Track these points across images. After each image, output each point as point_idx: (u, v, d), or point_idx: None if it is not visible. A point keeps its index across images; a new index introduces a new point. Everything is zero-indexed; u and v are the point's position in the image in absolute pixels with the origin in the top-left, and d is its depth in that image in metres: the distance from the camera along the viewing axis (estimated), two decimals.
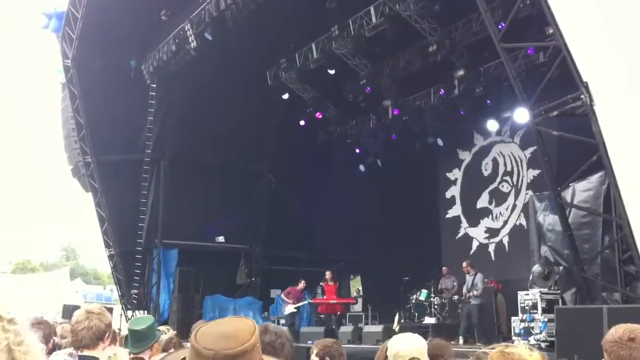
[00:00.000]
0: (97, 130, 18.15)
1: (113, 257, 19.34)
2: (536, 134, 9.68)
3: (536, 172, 15.57)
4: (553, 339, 9.32)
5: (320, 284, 16.69)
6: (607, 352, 2.95)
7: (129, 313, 19.10)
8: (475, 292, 13.56)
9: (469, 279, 13.88)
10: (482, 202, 17.66)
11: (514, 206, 16.75)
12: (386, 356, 3.54)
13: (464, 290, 13.88)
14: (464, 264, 14.24)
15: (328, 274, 16.62)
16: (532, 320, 10.71)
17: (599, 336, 3.13)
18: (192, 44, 15.90)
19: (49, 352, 4.87)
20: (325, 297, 16.52)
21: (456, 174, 18.81)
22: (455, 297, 14.85)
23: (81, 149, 18.90)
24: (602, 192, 9.82)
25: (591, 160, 8.94)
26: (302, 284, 17.05)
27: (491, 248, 17.31)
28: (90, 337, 3.72)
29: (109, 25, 16.62)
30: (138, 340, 4.63)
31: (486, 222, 17.54)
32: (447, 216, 18.88)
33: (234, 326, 1.69)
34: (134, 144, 18.67)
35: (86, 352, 3.72)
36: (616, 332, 2.97)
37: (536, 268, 11.15)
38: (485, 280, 14.09)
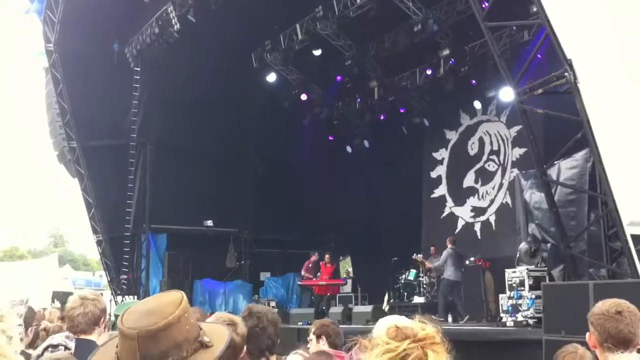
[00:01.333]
0: (82, 115, 18.00)
1: (101, 242, 19.29)
2: (521, 112, 9.69)
3: (522, 150, 15.61)
4: (540, 315, 9.41)
5: (319, 263, 16.75)
6: (594, 325, 2.98)
7: (119, 298, 19.10)
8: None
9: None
10: (468, 181, 17.71)
11: (501, 185, 16.81)
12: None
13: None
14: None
15: (327, 256, 16.65)
16: (520, 297, 10.81)
17: (585, 312, 3.15)
18: (175, 26, 15.76)
19: (33, 337, 4.89)
20: (318, 277, 16.55)
21: (443, 154, 18.82)
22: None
23: (66, 134, 18.76)
24: (587, 169, 9.86)
25: (576, 137, 8.98)
26: (314, 256, 17.00)
27: (477, 227, 17.37)
28: (86, 323, 3.74)
29: (91, 8, 16.41)
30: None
31: (472, 201, 17.60)
32: (433, 196, 18.91)
33: (158, 301, 1.66)
34: (119, 128, 18.52)
35: (82, 337, 3.73)
36: (603, 305, 3.00)
37: (523, 246, 11.23)
38: (470, 259, 14.21)
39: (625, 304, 3.01)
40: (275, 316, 3.29)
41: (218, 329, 1.79)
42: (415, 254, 15.53)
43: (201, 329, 1.70)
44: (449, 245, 14.10)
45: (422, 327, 1.67)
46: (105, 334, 3.99)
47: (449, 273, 13.81)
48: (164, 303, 1.65)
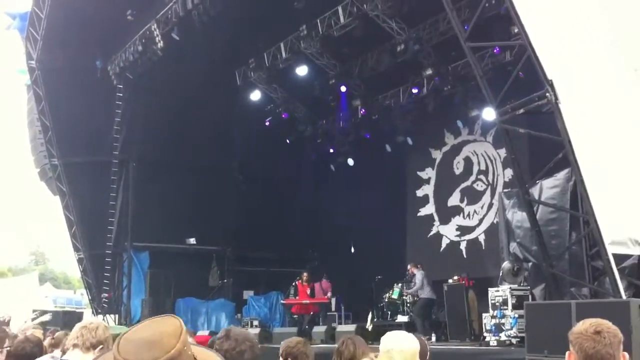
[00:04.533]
0: (64, 132, 17.89)
1: (82, 260, 19.09)
2: (503, 132, 9.76)
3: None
4: (523, 334, 9.41)
5: (294, 283, 16.64)
6: (572, 344, 2.99)
7: (100, 317, 18.86)
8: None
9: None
10: (454, 200, 17.70)
11: (490, 204, 16.64)
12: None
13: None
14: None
15: (305, 275, 16.56)
16: (503, 316, 10.80)
17: (568, 331, 3.15)
18: (159, 44, 15.74)
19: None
20: (297, 297, 16.47)
21: (429, 173, 18.79)
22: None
23: (47, 151, 18.62)
24: (568, 188, 9.93)
25: (557, 157, 9.04)
26: (325, 281, 16.98)
27: (463, 245, 17.35)
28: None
29: (73, 26, 16.39)
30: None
31: (457, 220, 17.57)
32: (419, 214, 18.87)
33: (158, 330, 1.58)
34: (101, 145, 18.43)
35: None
36: (583, 324, 3.01)
37: (506, 264, 11.24)
38: (454, 278, 14.22)
39: (606, 325, 3.01)
40: (254, 340, 3.22)
41: (210, 357, 1.73)
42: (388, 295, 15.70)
43: (195, 359, 1.63)
44: (420, 268, 14.59)
45: None
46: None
47: (427, 293, 14.19)
48: (165, 334, 1.57)
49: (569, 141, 8.45)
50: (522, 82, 10.01)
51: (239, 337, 3.12)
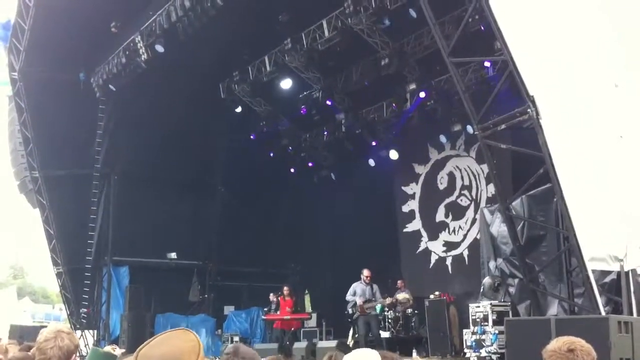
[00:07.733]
0: (45, 145, 17.71)
1: (61, 275, 18.81)
2: (485, 147, 9.76)
3: None
4: (504, 350, 9.36)
5: (275, 298, 16.49)
6: None
7: (78, 332, 18.57)
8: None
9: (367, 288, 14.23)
10: (440, 215, 17.66)
11: (474, 220, 16.63)
12: None
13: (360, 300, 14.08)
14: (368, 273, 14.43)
15: (286, 289, 16.43)
16: (483, 332, 10.74)
17: None
18: (142, 56, 15.64)
19: None
20: (279, 313, 16.33)
21: (414, 188, 18.75)
22: (409, 310, 14.89)
23: (28, 163, 18.40)
24: (552, 204, 9.95)
25: (538, 173, 9.05)
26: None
27: (448, 261, 17.31)
28: (59, 357, 3.63)
29: (57, 37, 16.26)
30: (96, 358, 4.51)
31: (444, 236, 17.51)
32: (406, 230, 18.77)
33: (177, 346, 1.59)
34: (83, 158, 18.24)
35: None
36: (557, 342, 3.03)
37: (486, 280, 11.23)
38: (435, 293, 14.12)
39: (580, 343, 3.01)
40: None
41: None
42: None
43: None
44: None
45: None
46: None
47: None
48: (184, 350, 1.59)
49: (550, 157, 8.47)
50: (506, 97, 10.04)
51: (246, 356, 3.10)
